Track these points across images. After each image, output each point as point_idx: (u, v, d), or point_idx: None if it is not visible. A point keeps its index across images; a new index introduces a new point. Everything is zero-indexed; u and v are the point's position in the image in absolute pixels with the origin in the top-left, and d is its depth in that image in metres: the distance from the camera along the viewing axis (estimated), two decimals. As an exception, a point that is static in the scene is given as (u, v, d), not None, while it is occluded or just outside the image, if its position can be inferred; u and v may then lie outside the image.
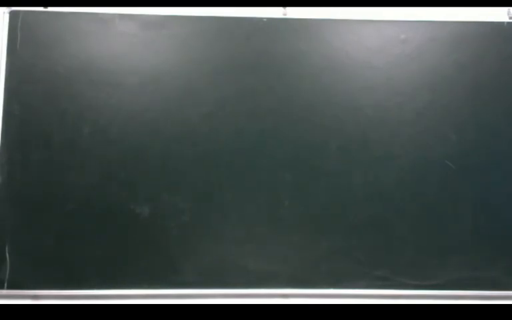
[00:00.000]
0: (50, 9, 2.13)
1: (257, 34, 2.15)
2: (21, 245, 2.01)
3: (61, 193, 2.04)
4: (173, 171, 2.07)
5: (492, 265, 2.06)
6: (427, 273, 2.05)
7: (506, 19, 2.19)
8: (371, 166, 2.10)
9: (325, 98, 2.13)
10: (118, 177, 2.06)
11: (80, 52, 2.11)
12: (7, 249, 2.00)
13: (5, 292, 1.99)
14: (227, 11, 2.16)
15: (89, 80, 2.10)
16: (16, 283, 2.00)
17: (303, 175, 2.09)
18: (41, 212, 2.03)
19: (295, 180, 2.08)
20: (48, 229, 2.03)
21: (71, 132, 2.07)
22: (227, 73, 2.13)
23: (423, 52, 2.15)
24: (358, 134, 2.11)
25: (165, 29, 2.14)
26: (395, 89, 2.14)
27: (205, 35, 2.14)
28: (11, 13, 2.11)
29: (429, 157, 2.11)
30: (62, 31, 2.12)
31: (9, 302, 1.99)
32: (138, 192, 2.06)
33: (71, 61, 2.10)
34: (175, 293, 2.03)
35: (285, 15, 2.18)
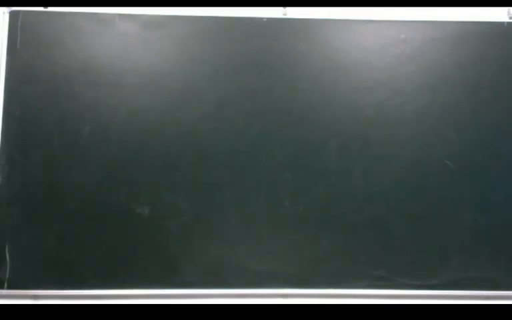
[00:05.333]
0: (50, 8, 2.13)
1: (256, 34, 2.15)
2: (21, 244, 2.01)
3: (61, 192, 2.04)
4: (173, 171, 2.07)
5: (492, 265, 2.06)
6: (427, 272, 2.05)
7: (506, 19, 2.19)
8: (371, 166, 2.10)
9: (325, 98, 2.13)
10: (118, 177, 2.06)
11: (80, 52, 2.11)
12: (7, 249, 2.00)
13: (5, 292, 1.99)
14: (227, 10, 2.16)
15: (89, 80, 2.10)
16: (16, 283, 2.00)
17: (303, 175, 2.09)
18: (41, 212, 2.03)
19: (295, 180, 2.08)
20: (48, 229, 2.03)
21: (71, 132, 2.07)
22: (227, 72, 2.13)
23: (423, 52, 2.15)
24: (358, 134, 2.11)
25: (165, 29, 2.14)
26: (395, 89, 2.14)
27: (205, 35, 2.14)
28: (11, 13, 2.11)
29: (429, 156, 2.10)
30: (62, 30, 2.12)
31: (8, 302, 1.99)
32: (138, 192, 2.06)
33: (71, 61, 2.10)
34: (175, 292, 2.03)
35: (285, 15, 2.18)
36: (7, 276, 1.99)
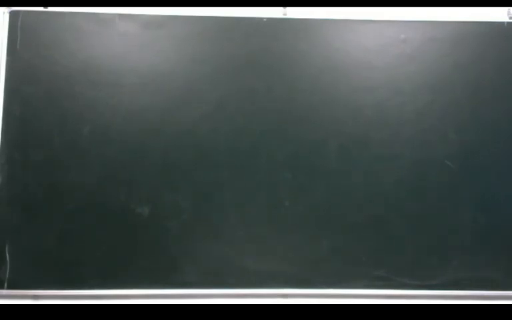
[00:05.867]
0: (50, 8, 2.13)
1: (256, 34, 2.15)
2: (21, 244, 2.01)
3: (61, 192, 2.04)
4: (173, 171, 2.07)
5: (492, 265, 2.06)
6: (427, 272, 2.05)
7: (506, 19, 2.19)
8: (371, 166, 2.10)
9: (325, 98, 2.13)
10: (118, 177, 2.06)
11: (80, 52, 2.11)
12: (7, 249, 2.00)
13: (5, 292, 1.99)
14: (227, 10, 2.16)
15: (89, 80, 2.10)
16: (16, 283, 2.00)
17: (303, 174, 2.09)
18: (41, 212, 2.03)
19: (295, 180, 2.08)
20: (48, 229, 2.03)
21: (71, 132, 2.07)
22: (227, 72, 2.13)
23: (423, 52, 2.15)
24: (358, 134, 2.11)
25: (165, 29, 2.14)
26: (395, 89, 2.14)
27: (205, 35, 2.14)
28: (11, 13, 2.11)
29: (429, 156, 2.11)
30: (62, 30, 2.12)
31: (9, 302, 1.99)
32: (138, 192, 2.06)
33: (71, 61, 2.11)
34: (175, 293, 2.03)
35: (285, 14, 2.18)
36: (7, 276, 1.99)
